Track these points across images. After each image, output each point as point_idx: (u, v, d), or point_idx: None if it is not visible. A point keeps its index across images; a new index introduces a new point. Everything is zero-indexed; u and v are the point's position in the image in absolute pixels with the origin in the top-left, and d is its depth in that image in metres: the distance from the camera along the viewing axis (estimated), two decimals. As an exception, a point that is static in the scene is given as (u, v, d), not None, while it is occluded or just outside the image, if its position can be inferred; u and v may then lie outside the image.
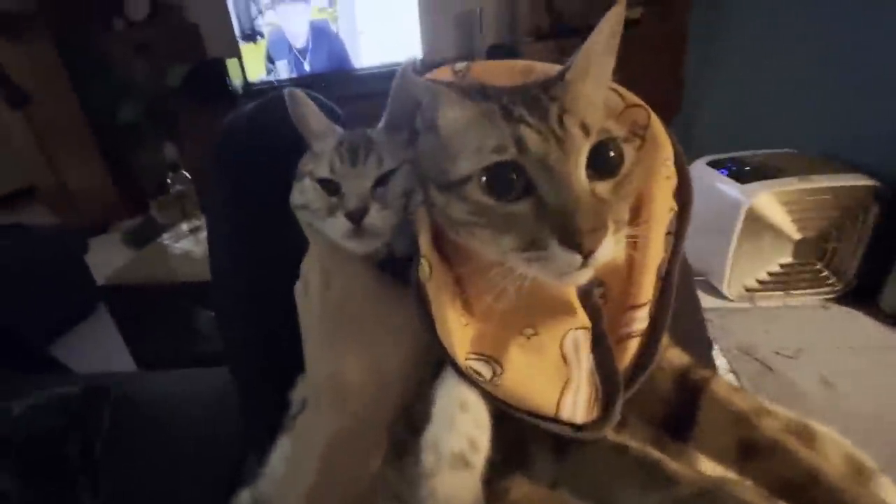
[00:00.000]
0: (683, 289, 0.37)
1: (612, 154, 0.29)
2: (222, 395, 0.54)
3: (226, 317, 0.56)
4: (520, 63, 0.40)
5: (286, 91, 0.39)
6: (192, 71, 2.67)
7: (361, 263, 0.37)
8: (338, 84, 2.66)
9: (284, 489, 0.37)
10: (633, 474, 0.28)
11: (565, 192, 0.27)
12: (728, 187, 1.54)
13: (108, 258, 2.08)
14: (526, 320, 0.31)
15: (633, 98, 0.37)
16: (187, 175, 1.63)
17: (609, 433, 0.30)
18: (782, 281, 1.57)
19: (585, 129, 0.28)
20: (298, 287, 0.41)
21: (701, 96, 2.37)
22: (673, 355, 0.36)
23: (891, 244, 1.40)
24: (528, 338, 0.31)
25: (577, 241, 0.26)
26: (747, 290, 1.59)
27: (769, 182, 1.47)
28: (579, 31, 2.40)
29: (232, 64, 2.68)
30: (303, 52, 2.69)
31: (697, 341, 0.58)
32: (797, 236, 1.51)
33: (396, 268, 0.36)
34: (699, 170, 1.68)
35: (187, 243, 1.51)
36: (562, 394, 0.30)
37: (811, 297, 1.55)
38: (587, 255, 0.26)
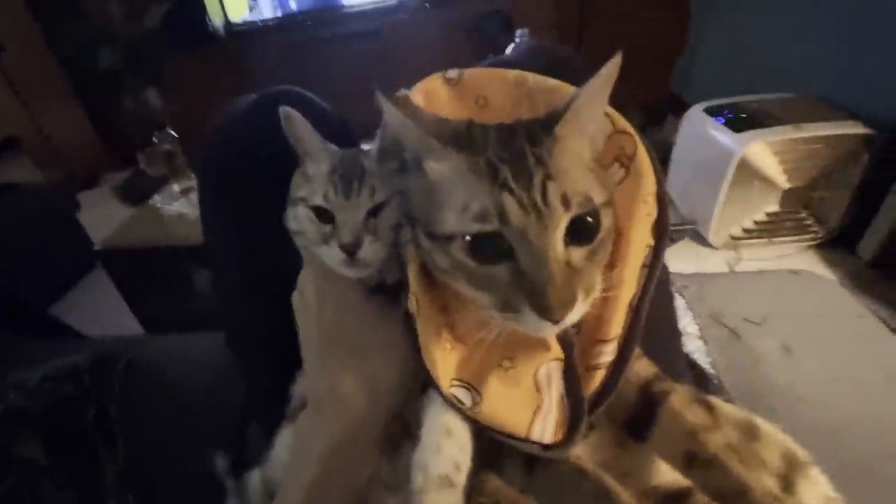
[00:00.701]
0: (660, 285, 0.38)
1: (589, 221, 0.30)
2: (229, 357, 0.58)
3: (224, 302, 0.57)
4: (512, 73, 0.40)
5: (282, 110, 0.39)
6: (170, 11, 2.51)
7: (354, 286, 0.39)
8: (325, 23, 2.52)
9: (287, 482, 0.40)
10: (587, 499, 0.32)
11: (541, 264, 0.28)
12: (722, 136, 1.53)
13: (101, 214, 2.07)
14: (505, 352, 0.34)
15: (622, 124, 0.37)
16: (173, 133, 1.59)
17: (575, 451, 0.34)
18: (766, 229, 1.60)
19: (566, 203, 0.29)
20: (296, 298, 0.43)
21: (704, 38, 2.27)
22: (641, 366, 0.39)
23: (875, 192, 1.42)
24: (506, 370, 0.33)
25: (548, 313, 0.28)
26: (732, 238, 1.63)
27: (762, 131, 1.46)
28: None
29: (211, 2, 2.52)
30: (287, -16, 2.52)
31: (667, 335, 0.61)
32: (786, 186, 1.52)
33: (387, 292, 0.38)
34: (695, 116, 1.66)
35: (180, 205, 1.50)
36: (533, 417, 0.33)
37: (792, 244, 1.60)
38: (557, 322, 0.28)
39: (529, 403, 0.33)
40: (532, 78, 0.39)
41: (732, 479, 0.31)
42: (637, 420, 0.37)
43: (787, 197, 1.55)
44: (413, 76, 0.42)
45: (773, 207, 1.57)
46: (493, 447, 0.34)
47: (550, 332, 0.30)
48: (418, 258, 0.34)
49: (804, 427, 0.41)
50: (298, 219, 0.39)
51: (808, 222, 1.57)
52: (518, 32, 1.91)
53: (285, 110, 0.39)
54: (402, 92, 0.37)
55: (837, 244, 1.57)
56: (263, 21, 2.57)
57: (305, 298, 0.41)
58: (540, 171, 0.29)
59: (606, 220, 0.31)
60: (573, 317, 0.29)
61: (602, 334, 0.34)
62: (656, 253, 0.36)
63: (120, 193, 2.50)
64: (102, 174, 2.83)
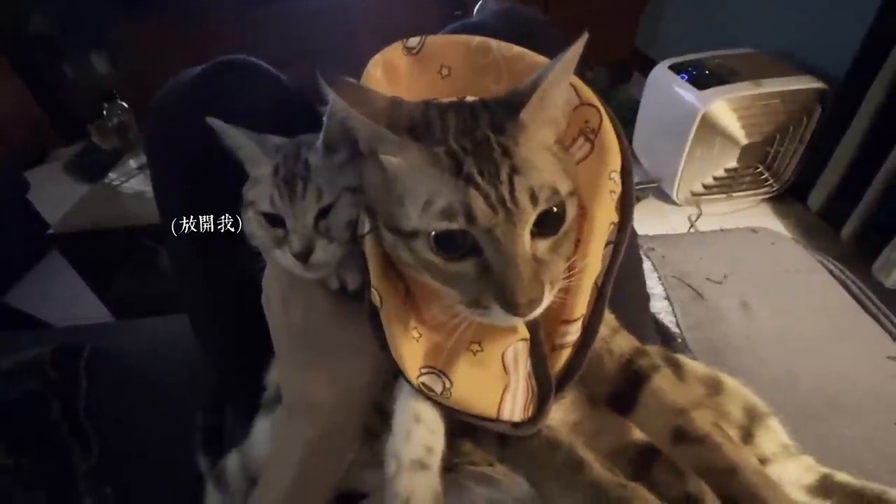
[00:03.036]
0: (628, 251, 0.38)
1: (555, 213, 0.30)
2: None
3: (182, 284, 0.56)
4: (475, 40, 0.38)
5: (209, 122, 0.38)
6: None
7: (319, 286, 0.38)
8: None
9: (265, 486, 0.40)
10: (559, 473, 0.32)
11: (509, 262, 0.28)
12: (686, 93, 1.55)
13: (52, 193, 1.94)
14: (473, 337, 0.33)
15: (588, 95, 0.36)
16: (124, 104, 1.48)
17: (550, 424, 0.34)
18: (726, 184, 1.67)
19: (534, 199, 0.28)
20: (263, 301, 0.42)
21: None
22: (621, 340, 0.38)
23: (827, 145, 1.49)
24: (475, 353, 0.33)
25: (517, 309, 0.28)
26: (693, 194, 1.69)
27: (723, 88, 1.49)
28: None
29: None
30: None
31: (636, 300, 0.63)
32: (744, 141, 1.57)
33: (351, 295, 0.37)
34: (661, 74, 1.67)
35: (138, 182, 1.41)
36: (502, 397, 0.33)
37: (749, 198, 1.67)
38: (524, 317, 0.29)
39: (498, 384, 0.33)
40: (496, 45, 0.38)
41: (725, 456, 0.32)
42: (619, 396, 0.37)
43: (745, 152, 1.60)
44: (377, 38, 0.40)
45: (732, 163, 1.63)
46: (466, 425, 0.35)
47: (520, 322, 0.31)
48: (378, 249, 0.33)
49: (759, 381, 0.44)
50: (250, 222, 0.38)
51: (764, 176, 1.64)
52: (481, -5, 1.84)
53: (214, 122, 0.38)
54: (349, 81, 0.34)
55: (789, 197, 1.65)
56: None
57: (271, 301, 0.41)
58: (506, 164, 0.28)
59: (571, 210, 0.31)
60: (541, 309, 0.29)
61: (567, 314, 0.34)
62: (621, 229, 0.36)
63: (72, 170, 2.35)
64: (50, 150, 2.66)
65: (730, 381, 0.43)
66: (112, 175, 1.48)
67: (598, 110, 0.36)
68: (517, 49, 0.37)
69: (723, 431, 0.33)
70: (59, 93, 2.53)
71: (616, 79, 2.37)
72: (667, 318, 0.75)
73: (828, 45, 1.50)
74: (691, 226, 1.65)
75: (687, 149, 1.58)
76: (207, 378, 0.61)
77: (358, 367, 0.38)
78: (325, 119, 0.35)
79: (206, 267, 0.52)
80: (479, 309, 0.29)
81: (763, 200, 1.69)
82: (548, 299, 0.29)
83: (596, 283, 0.34)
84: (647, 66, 1.80)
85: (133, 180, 1.43)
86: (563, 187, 0.30)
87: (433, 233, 0.29)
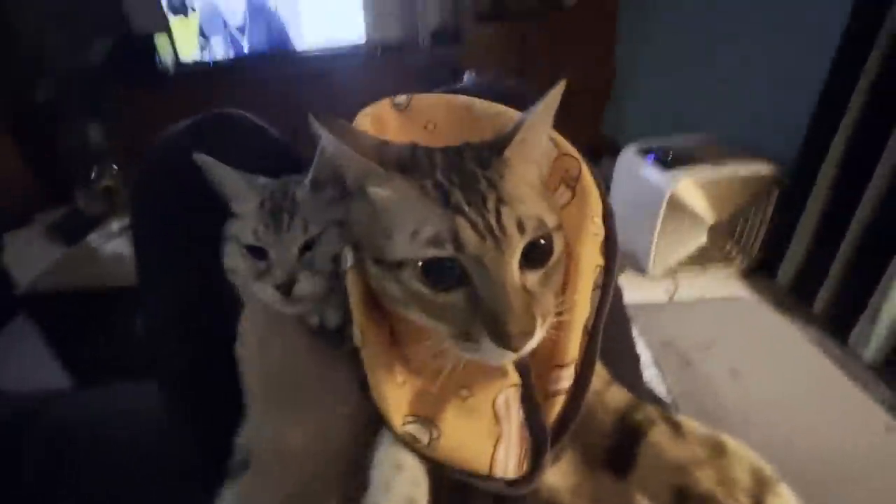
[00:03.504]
0: (616, 309, 0.38)
1: (543, 244, 0.30)
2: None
3: (153, 340, 0.53)
4: (459, 99, 0.40)
5: (196, 158, 0.38)
6: (117, 46, 2.47)
7: (300, 329, 0.37)
8: (278, 65, 2.56)
9: None
10: None
11: (499, 291, 0.27)
12: (653, 173, 1.66)
13: (28, 255, 1.90)
14: (461, 381, 0.32)
15: (566, 147, 0.38)
16: (114, 167, 1.51)
17: (547, 480, 0.32)
18: (698, 260, 1.73)
19: (521, 228, 0.28)
20: (238, 348, 0.40)
21: (630, 84, 2.50)
22: (615, 393, 0.37)
23: (789, 224, 1.58)
24: (464, 399, 0.32)
25: (509, 341, 0.27)
26: (670, 269, 1.74)
27: (688, 169, 1.60)
28: (519, 15, 2.44)
29: (161, 40, 2.50)
30: (240, 28, 2.55)
31: (628, 358, 0.62)
32: (712, 219, 1.66)
33: (331, 335, 0.36)
34: (628, 157, 1.80)
35: (118, 244, 1.41)
36: (494, 450, 0.31)
37: (722, 272, 1.73)
38: (517, 350, 0.28)
39: (490, 434, 0.31)
40: (479, 103, 0.40)
41: None
42: (616, 453, 0.35)
43: (714, 229, 1.69)
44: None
45: (703, 239, 1.70)
46: (456, 485, 0.32)
47: (510, 360, 0.30)
48: (360, 287, 0.32)
49: (756, 449, 0.41)
50: (232, 255, 0.38)
51: (733, 253, 1.71)
52: (466, 74, 2.02)
53: (199, 158, 0.38)
54: (340, 122, 0.35)
55: (760, 272, 1.71)
56: (216, 62, 2.57)
57: (247, 346, 0.39)
58: (493, 195, 0.28)
59: (559, 244, 0.31)
60: (533, 343, 0.28)
61: (558, 359, 0.33)
62: (607, 272, 0.36)
63: (52, 233, 2.33)
64: (36, 213, 2.64)
65: (732, 443, 0.39)
66: (92, 237, 1.48)
67: (577, 160, 0.37)
68: (498, 106, 0.39)
69: (729, 491, 0.31)
70: (52, 158, 2.57)
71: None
72: (656, 385, 0.74)
73: (778, 131, 1.65)
74: (670, 298, 1.69)
75: (658, 226, 1.65)
76: (180, 452, 0.55)
77: (337, 419, 0.35)
78: (315, 157, 0.36)
79: (178, 315, 0.49)
80: (469, 343, 0.28)
81: (735, 275, 1.75)
82: (539, 334, 0.29)
83: (586, 326, 0.34)
84: (615, 150, 1.95)
85: (113, 242, 1.43)
86: (550, 220, 0.30)
87: (421, 262, 0.28)
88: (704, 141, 1.79)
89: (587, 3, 2.45)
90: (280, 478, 0.35)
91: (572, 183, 0.37)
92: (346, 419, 0.35)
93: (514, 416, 0.32)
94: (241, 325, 0.40)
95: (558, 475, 0.37)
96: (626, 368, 0.59)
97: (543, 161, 0.35)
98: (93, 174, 1.51)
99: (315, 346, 0.37)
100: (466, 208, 0.28)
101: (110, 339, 1.34)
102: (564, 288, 0.33)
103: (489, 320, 0.27)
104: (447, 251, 0.28)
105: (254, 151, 0.50)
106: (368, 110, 0.40)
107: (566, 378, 0.33)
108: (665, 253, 1.71)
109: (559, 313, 0.31)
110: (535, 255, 0.29)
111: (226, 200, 0.40)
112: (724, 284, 1.72)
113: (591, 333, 0.34)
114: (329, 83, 2.49)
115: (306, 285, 0.35)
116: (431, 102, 0.41)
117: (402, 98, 0.41)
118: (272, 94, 2.53)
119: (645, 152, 1.76)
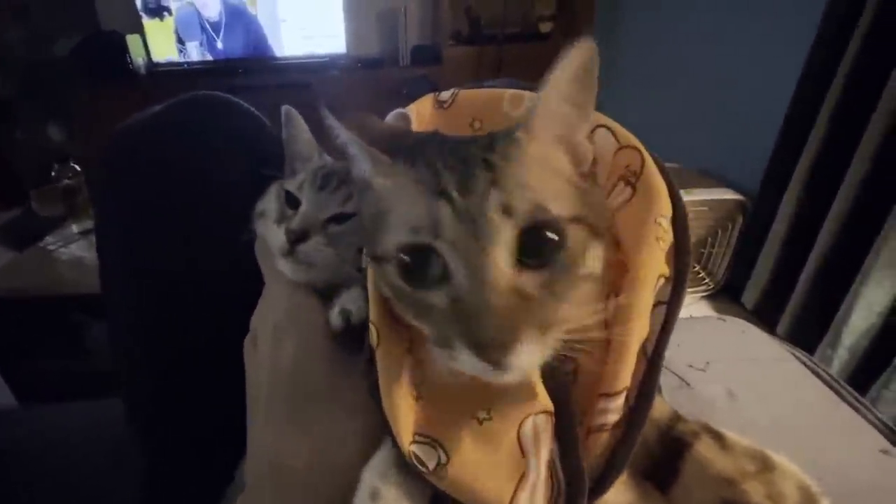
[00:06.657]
0: None
1: (547, 236, 0.24)
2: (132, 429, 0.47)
3: (120, 347, 0.49)
4: (508, 93, 0.35)
5: (283, 108, 0.39)
6: (83, 43, 2.37)
7: (320, 327, 0.33)
8: (256, 72, 2.52)
9: None
10: None
11: (476, 287, 0.23)
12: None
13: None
14: (480, 401, 0.27)
15: (627, 137, 0.32)
16: (76, 167, 1.43)
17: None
18: (668, 281, 1.79)
19: (507, 211, 0.24)
20: (247, 343, 0.37)
21: (599, 111, 2.59)
22: (657, 405, 0.32)
23: (752, 250, 1.65)
24: (481, 422, 0.27)
25: (483, 350, 0.22)
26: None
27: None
28: (495, 38, 2.50)
29: (133, 40, 2.42)
30: (216, 28, 2.49)
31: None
32: (681, 242, 1.72)
33: (354, 339, 0.32)
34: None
35: (78, 248, 1.31)
36: (516, 491, 0.25)
37: (690, 295, 1.78)
38: (498, 366, 0.22)
39: (511, 469, 0.26)
40: (529, 95, 0.35)
41: None
42: (659, 468, 0.31)
43: (683, 252, 1.74)
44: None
45: (672, 262, 1.76)
46: None
47: (505, 378, 0.24)
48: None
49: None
50: (267, 197, 0.38)
51: (701, 275, 1.77)
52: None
53: (287, 109, 0.39)
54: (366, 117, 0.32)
55: (727, 296, 1.78)
56: (191, 64, 2.51)
57: (258, 337, 0.35)
58: (486, 177, 0.24)
59: (576, 240, 0.25)
60: (523, 360, 0.23)
61: (606, 386, 0.27)
62: (675, 286, 0.29)
63: (3, 236, 2.18)
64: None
65: (778, 457, 0.35)
66: (49, 239, 1.37)
67: (640, 151, 0.32)
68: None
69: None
70: (8, 158, 2.43)
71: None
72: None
73: (743, 160, 1.73)
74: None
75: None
76: (141, 481, 0.50)
77: (346, 432, 0.31)
78: None
79: (148, 308, 0.45)
80: (447, 350, 0.24)
81: (703, 298, 1.81)
82: (534, 351, 0.23)
83: (644, 349, 0.28)
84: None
85: (72, 245, 1.33)
86: (559, 208, 0.25)
87: (400, 255, 0.25)
88: (672, 169, 1.85)
89: (563, 29, 2.54)
90: (277, 496, 0.31)
91: (632, 179, 0.31)
92: (353, 436, 0.31)
93: (543, 452, 0.26)
94: (256, 312, 0.37)
95: (611, 493, 0.31)
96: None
97: (579, 143, 0.29)
98: (52, 173, 1.41)
99: (332, 351, 0.33)
100: (454, 193, 0.24)
101: (59, 352, 1.24)
102: (619, 292, 0.28)
103: (464, 323, 0.23)
104: (423, 237, 0.24)
105: (245, 131, 0.48)
106: (412, 107, 0.37)
107: (614, 411, 0.27)
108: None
109: (608, 328, 0.26)
110: (537, 251, 0.24)
111: (286, 157, 0.40)
112: (691, 308, 1.77)
113: (650, 359, 0.28)
114: (306, 93, 2.46)
115: (313, 248, 0.34)
116: (479, 98, 0.36)
117: (446, 94, 0.37)
118: (246, 100, 2.48)
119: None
